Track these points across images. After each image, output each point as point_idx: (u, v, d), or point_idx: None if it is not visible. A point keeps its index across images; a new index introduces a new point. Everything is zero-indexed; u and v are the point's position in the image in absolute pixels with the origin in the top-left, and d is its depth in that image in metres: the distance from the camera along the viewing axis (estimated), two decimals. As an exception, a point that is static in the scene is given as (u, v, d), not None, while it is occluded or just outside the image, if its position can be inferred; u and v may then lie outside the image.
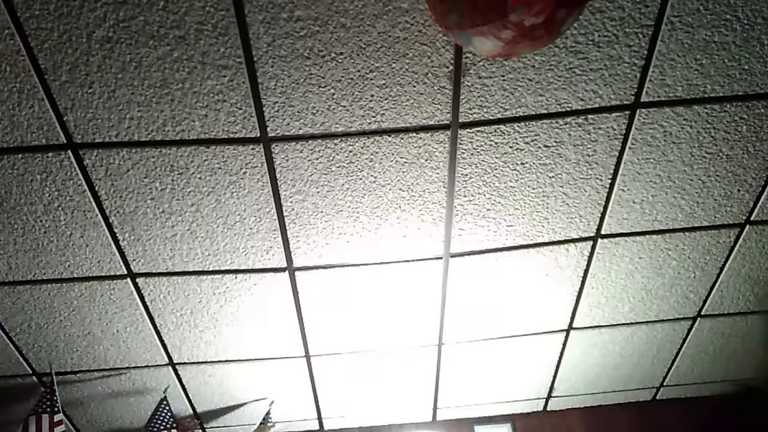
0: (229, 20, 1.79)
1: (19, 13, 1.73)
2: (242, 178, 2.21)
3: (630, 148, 2.26)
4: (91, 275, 2.53)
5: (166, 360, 3.00)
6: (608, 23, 1.89)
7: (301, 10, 1.78)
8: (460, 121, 2.12)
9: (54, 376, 2.89)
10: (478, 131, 2.16)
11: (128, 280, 2.57)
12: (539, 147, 2.23)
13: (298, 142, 2.13)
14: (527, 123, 2.15)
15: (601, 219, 2.52)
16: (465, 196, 2.37)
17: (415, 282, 2.71)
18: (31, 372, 2.99)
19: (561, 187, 2.37)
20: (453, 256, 2.60)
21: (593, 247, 2.64)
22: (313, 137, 2.12)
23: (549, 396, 3.59)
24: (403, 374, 3.26)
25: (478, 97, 2.05)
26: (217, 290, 2.64)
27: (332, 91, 1.99)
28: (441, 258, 2.61)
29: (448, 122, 2.12)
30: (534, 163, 2.28)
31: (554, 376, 3.41)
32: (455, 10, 1.38)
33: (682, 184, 2.41)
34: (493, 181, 2.32)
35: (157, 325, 2.79)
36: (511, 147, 2.22)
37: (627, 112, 2.16)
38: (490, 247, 2.59)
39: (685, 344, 3.27)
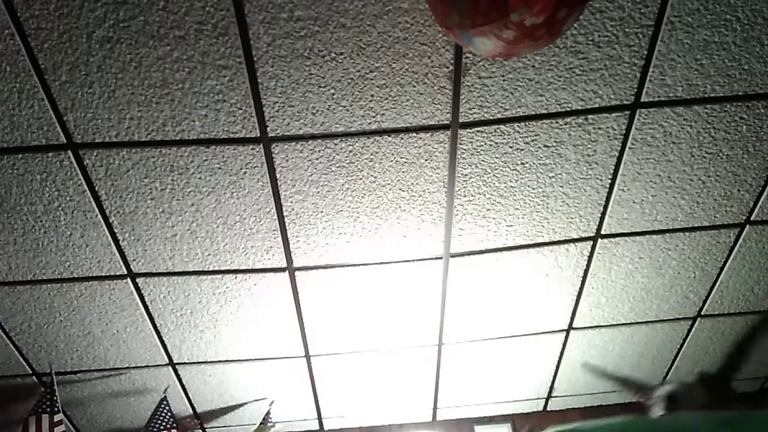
0: (229, 20, 1.79)
1: (19, 13, 1.72)
2: (242, 178, 2.21)
3: (630, 148, 2.26)
4: (91, 275, 2.53)
5: (166, 360, 3.00)
6: (608, 23, 1.89)
7: (301, 10, 1.78)
8: (460, 121, 2.12)
9: (54, 376, 2.89)
10: (478, 131, 2.16)
11: (128, 280, 2.56)
12: (539, 147, 2.23)
13: (298, 142, 2.13)
14: (527, 123, 2.15)
15: (601, 219, 2.52)
16: (465, 196, 2.37)
17: (415, 282, 2.71)
18: (31, 372, 2.98)
19: (561, 187, 2.37)
20: (453, 256, 2.60)
21: (593, 247, 2.64)
22: (313, 137, 2.12)
23: (549, 396, 3.59)
24: (403, 374, 3.26)
25: (478, 97, 2.05)
26: (217, 290, 2.64)
27: (332, 91, 1.99)
28: (441, 258, 2.61)
29: (448, 122, 2.12)
30: (534, 163, 2.28)
31: (554, 376, 3.41)
32: (456, 10, 1.38)
33: (682, 184, 2.41)
34: (493, 181, 2.32)
35: (157, 325, 2.79)
36: (511, 147, 2.22)
37: (627, 112, 2.16)
38: (490, 247, 2.59)
39: (685, 344, 3.27)
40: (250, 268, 2.56)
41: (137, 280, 2.57)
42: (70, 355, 2.91)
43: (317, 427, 3.64)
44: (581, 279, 2.79)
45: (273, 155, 2.15)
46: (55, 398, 2.79)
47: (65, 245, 2.39)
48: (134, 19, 1.76)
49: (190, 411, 3.38)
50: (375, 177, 2.26)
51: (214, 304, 2.70)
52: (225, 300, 2.69)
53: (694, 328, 3.16)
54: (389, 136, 2.14)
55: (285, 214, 2.35)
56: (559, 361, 3.29)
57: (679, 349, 3.30)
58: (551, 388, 3.51)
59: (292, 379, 3.21)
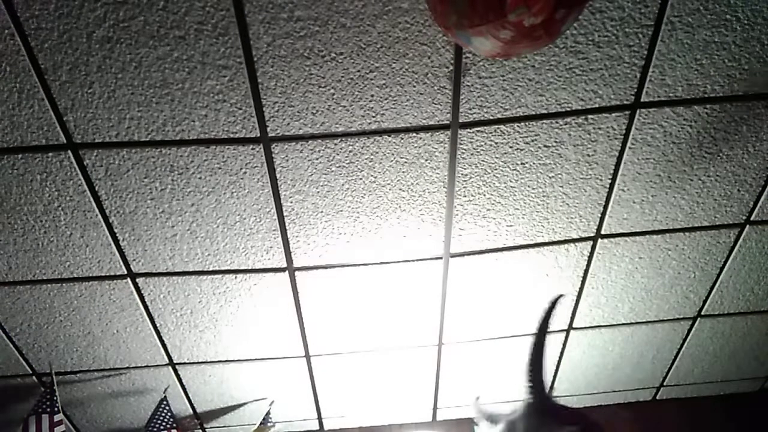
0: (229, 20, 1.79)
1: (19, 13, 1.73)
2: (242, 178, 2.21)
3: (630, 148, 2.26)
4: (91, 275, 2.53)
5: (166, 360, 3.00)
6: (608, 23, 1.89)
7: (301, 10, 1.79)
8: (460, 121, 2.12)
9: (54, 376, 2.89)
10: (478, 131, 2.16)
11: (128, 280, 2.57)
12: (539, 147, 2.23)
13: (298, 142, 2.13)
14: (527, 123, 2.15)
15: (601, 219, 2.52)
16: (465, 196, 2.37)
17: (415, 282, 2.71)
18: (31, 372, 2.99)
19: (561, 187, 2.37)
20: (453, 256, 2.60)
21: (593, 247, 2.64)
22: (313, 137, 2.12)
23: (549, 396, 3.59)
24: (403, 374, 3.26)
25: (478, 97, 2.05)
26: (217, 290, 2.64)
27: (332, 91, 1.99)
28: (441, 258, 2.61)
29: (448, 122, 2.12)
30: (534, 163, 2.28)
31: (554, 376, 3.41)
32: (455, 10, 1.38)
33: (682, 184, 2.41)
34: (493, 181, 2.32)
35: (157, 325, 2.79)
36: (511, 147, 2.22)
37: (627, 112, 2.16)
38: (490, 247, 2.59)
39: (685, 344, 3.27)
40: (250, 268, 2.56)
41: (137, 280, 2.57)
42: (70, 355, 2.91)
43: (317, 427, 3.64)
44: (581, 279, 2.79)
45: (273, 155, 2.15)
46: (55, 398, 2.79)
47: (65, 245, 2.39)
48: (134, 19, 1.76)
49: (190, 411, 3.38)
50: (375, 177, 2.26)
51: (214, 304, 2.70)
52: (225, 300, 2.69)
53: (694, 328, 3.16)
54: (389, 136, 2.14)
55: (285, 214, 2.35)
56: (559, 361, 3.29)
57: (679, 349, 3.30)
58: (551, 388, 3.51)
59: (292, 379, 3.21)
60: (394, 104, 2.05)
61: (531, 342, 1.92)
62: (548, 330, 1.96)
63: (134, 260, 2.49)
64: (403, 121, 2.10)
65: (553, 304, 1.96)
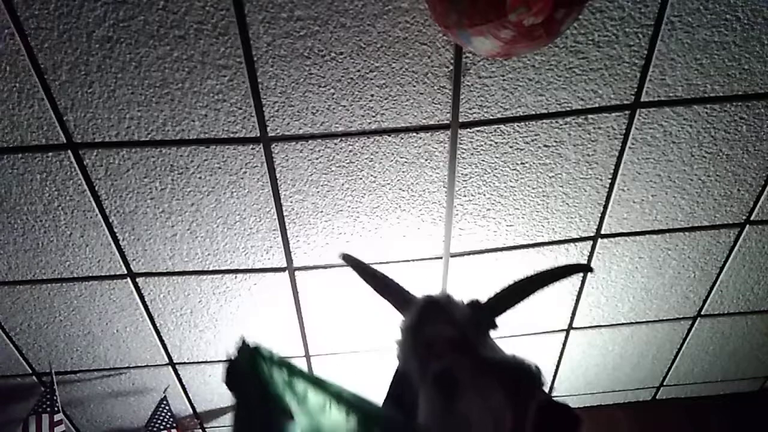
0: (229, 20, 1.79)
1: (19, 13, 1.73)
2: (242, 178, 2.21)
3: (630, 148, 2.26)
4: (91, 275, 2.53)
5: (166, 360, 3.00)
6: (608, 23, 1.89)
7: (301, 10, 1.79)
8: (460, 121, 2.12)
9: (54, 376, 2.89)
10: (478, 131, 2.16)
11: (128, 280, 2.57)
12: (539, 147, 2.23)
13: (298, 142, 2.13)
14: (527, 123, 2.15)
15: (601, 219, 2.52)
16: (465, 196, 2.37)
17: (415, 282, 2.71)
18: (31, 372, 2.99)
19: (561, 187, 2.37)
20: (453, 256, 2.60)
21: (593, 247, 2.64)
22: (313, 137, 2.12)
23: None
24: (403, 374, 3.26)
25: (478, 97, 2.05)
26: (217, 290, 2.64)
27: (332, 91, 1.99)
28: (441, 258, 2.61)
29: (448, 122, 2.12)
30: (534, 163, 2.28)
31: (554, 376, 3.41)
32: (455, 9, 1.38)
33: (682, 184, 2.41)
34: (493, 181, 2.32)
35: (157, 325, 2.79)
36: (511, 147, 2.22)
37: (627, 112, 2.16)
38: (490, 247, 2.59)
39: (685, 344, 3.27)
40: (250, 268, 2.56)
41: (137, 280, 2.57)
42: (70, 355, 2.91)
43: (317, 427, 3.63)
44: (581, 279, 2.79)
45: (273, 155, 2.15)
46: (55, 398, 2.79)
47: (65, 245, 2.39)
48: (134, 19, 1.76)
49: (190, 411, 3.38)
50: (375, 177, 2.26)
51: (214, 303, 2.70)
52: (225, 300, 2.69)
53: (694, 328, 3.16)
54: (389, 136, 2.14)
55: (285, 214, 2.35)
56: (559, 361, 3.29)
57: (679, 349, 3.30)
58: (551, 388, 3.51)
59: (292, 379, 3.20)
60: (394, 104, 2.05)
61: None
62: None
63: (134, 260, 2.49)
64: (403, 121, 2.10)
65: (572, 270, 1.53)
